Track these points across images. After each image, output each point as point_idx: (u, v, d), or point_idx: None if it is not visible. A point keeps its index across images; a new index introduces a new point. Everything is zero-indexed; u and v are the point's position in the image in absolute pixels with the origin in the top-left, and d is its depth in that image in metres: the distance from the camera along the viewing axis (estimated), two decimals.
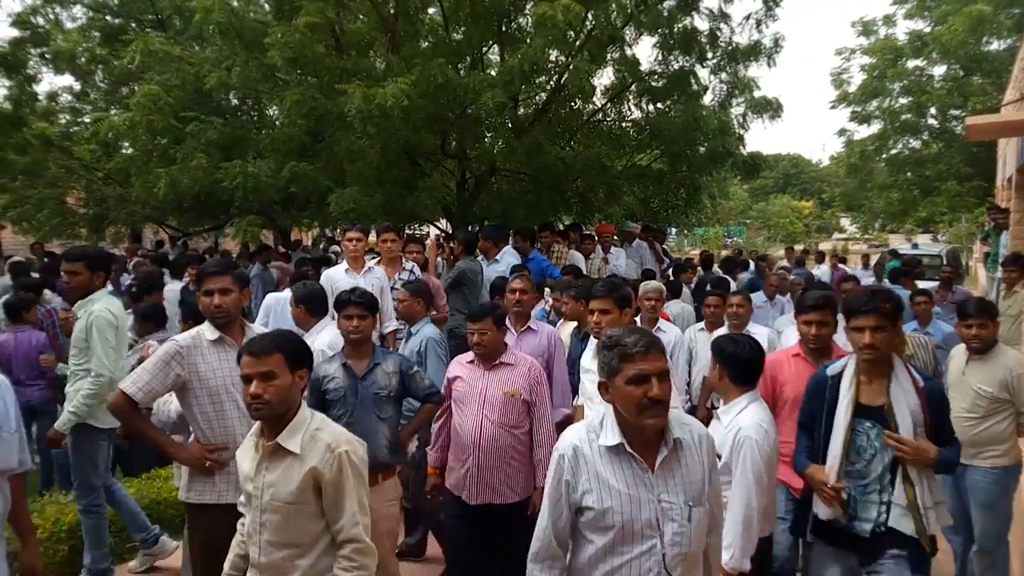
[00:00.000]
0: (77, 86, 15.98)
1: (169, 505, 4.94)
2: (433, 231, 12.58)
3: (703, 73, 10.83)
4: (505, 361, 3.79)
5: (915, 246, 21.01)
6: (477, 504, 3.72)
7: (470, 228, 10.13)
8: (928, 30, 21.29)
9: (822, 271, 14.66)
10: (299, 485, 2.45)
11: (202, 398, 3.22)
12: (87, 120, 15.38)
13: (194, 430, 3.27)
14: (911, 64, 21.77)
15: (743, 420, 2.94)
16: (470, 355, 3.87)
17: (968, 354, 4.14)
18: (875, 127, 22.92)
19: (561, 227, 10.69)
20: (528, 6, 9.82)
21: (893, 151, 23.17)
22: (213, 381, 3.22)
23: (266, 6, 10.44)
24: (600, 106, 11.11)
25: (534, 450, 3.78)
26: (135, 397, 3.13)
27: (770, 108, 10.96)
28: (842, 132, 24.34)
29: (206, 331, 3.32)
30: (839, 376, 3.05)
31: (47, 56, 14.40)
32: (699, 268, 10.74)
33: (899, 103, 22.12)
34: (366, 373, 3.67)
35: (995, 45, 20.58)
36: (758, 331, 5.16)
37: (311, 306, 4.40)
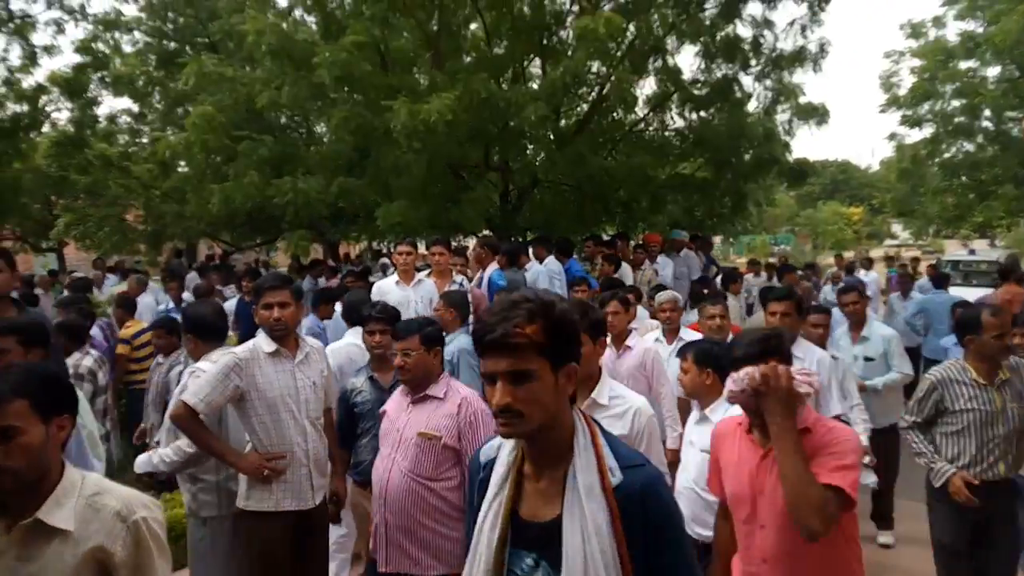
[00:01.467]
0: (135, 108, 16.62)
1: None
2: (473, 243, 12.69)
3: (747, 80, 10.78)
4: (432, 394, 3.13)
5: (972, 252, 20.41)
6: (387, 573, 3.06)
7: (512, 239, 10.21)
8: (980, 31, 20.69)
9: (871, 278, 14.38)
10: (75, 573, 1.77)
11: (260, 409, 3.33)
12: (145, 140, 15.98)
13: (251, 440, 3.38)
14: (963, 65, 21.16)
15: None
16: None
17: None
18: (927, 131, 22.29)
19: (607, 237, 10.70)
20: (569, 20, 9.90)
21: (946, 155, 22.50)
22: (270, 392, 3.34)
23: (314, 27, 10.71)
24: (642, 116, 11.12)
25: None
26: (196, 408, 3.23)
27: (816, 114, 10.83)
28: (892, 136, 23.69)
29: (263, 343, 3.42)
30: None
31: (107, 80, 15.02)
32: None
33: (951, 106, 21.49)
34: (392, 386, 3.68)
35: None
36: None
37: (201, 333, 3.78)
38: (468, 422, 3.04)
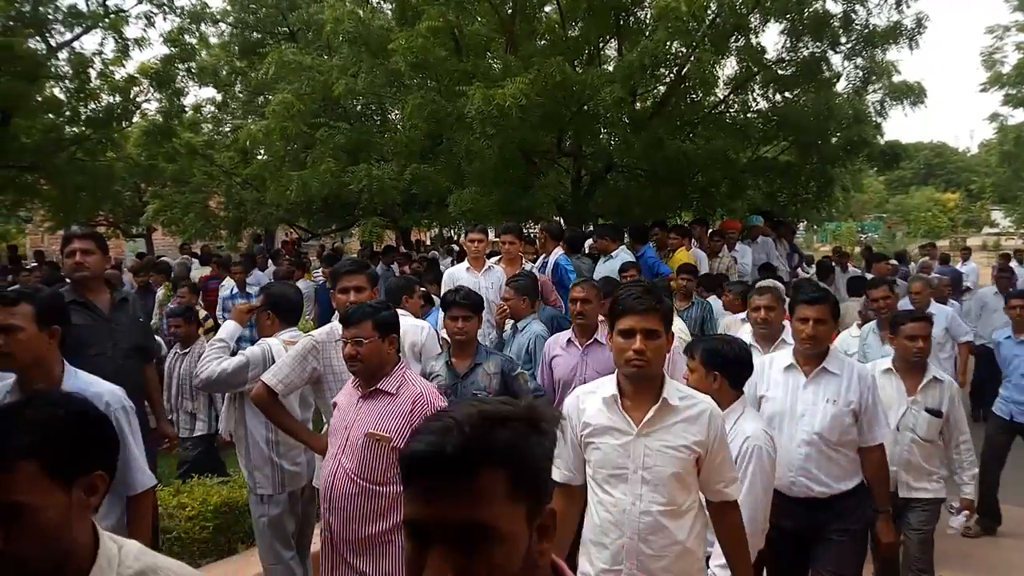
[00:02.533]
0: (219, 97, 17.17)
1: None
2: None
3: (836, 59, 10.22)
4: (384, 389, 2.84)
5: None
6: None
7: (581, 227, 10.03)
8: None
9: (970, 268, 13.53)
10: None
11: (336, 390, 3.36)
12: (227, 129, 16.48)
13: (327, 420, 3.42)
14: None
15: (747, 427, 2.81)
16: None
17: None
18: None
19: (684, 223, 10.40)
20: None
21: None
22: (346, 374, 3.35)
23: (390, 13, 10.76)
24: (723, 97, 10.72)
25: None
26: (275, 388, 3.29)
27: (911, 94, 10.21)
28: (994, 117, 22.34)
29: (339, 327, 3.47)
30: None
31: (193, 71, 15.53)
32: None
33: None
34: (467, 372, 3.72)
35: None
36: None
37: (280, 312, 3.88)
38: (421, 420, 2.67)
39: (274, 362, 3.48)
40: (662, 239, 7.99)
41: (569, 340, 4.17)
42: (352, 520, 2.72)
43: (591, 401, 2.47)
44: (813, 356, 3.19)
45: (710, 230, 9.33)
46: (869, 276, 7.91)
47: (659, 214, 10.70)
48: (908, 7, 9.74)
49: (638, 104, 10.22)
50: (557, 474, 2.49)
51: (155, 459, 4.41)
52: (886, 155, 11.02)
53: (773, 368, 3.30)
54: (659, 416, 2.37)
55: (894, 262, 10.81)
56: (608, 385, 2.46)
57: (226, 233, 14.35)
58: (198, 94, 39.91)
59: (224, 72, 15.66)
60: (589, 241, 7.93)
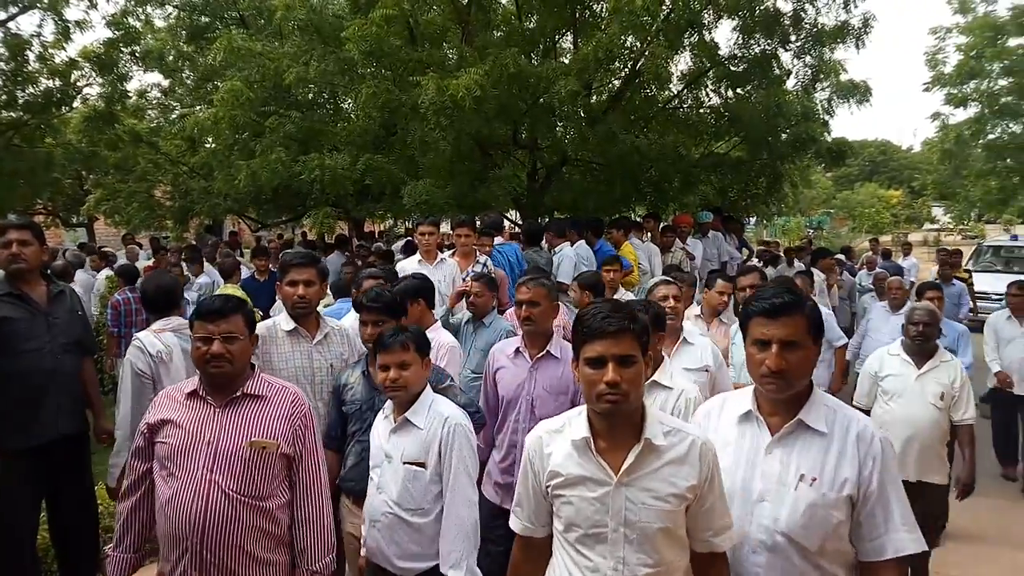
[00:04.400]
0: (165, 83, 16.66)
1: None
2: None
3: (786, 57, 10.40)
4: (252, 392, 2.53)
5: (1014, 237, 19.75)
6: None
7: (538, 219, 10.03)
8: None
9: (910, 263, 13.96)
10: None
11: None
12: (174, 116, 16.01)
13: None
14: (1013, 43, 20.40)
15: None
16: (191, 383, 2.60)
17: None
18: (972, 110, 21.58)
19: (637, 218, 10.48)
20: None
21: (991, 136, 21.79)
22: (285, 372, 3.31)
23: (343, 0, 10.57)
24: (676, 93, 10.82)
25: (295, 538, 2.53)
26: None
27: (857, 92, 10.44)
28: (936, 116, 22.97)
29: (282, 322, 3.45)
30: None
31: (137, 55, 15.03)
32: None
33: (999, 85, 20.75)
34: None
35: None
36: None
37: (147, 304, 3.92)
38: (303, 423, 2.55)
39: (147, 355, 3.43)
40: (617, 239, 8.04)
41: (517, 350, 3.58)
42: (233, 546, 2.37)
43: (559, 444, 2.06)
44: (782, 402, 2.12)
45: (662, 225, 9.44)
46: (815, 271, 8.10)
47: (613, 208, 10.77)
48: (855, 7, 9.98)
49: (593, 98, 10.25)
50: (515, 523, 2.21)
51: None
52: (833, 152, 11.25)
53: (723, 418, 2.27)
54: (642, 460, 1.96)
55: (840, 256, 11.10)
56: (578, 424, 2.05)
57: (172, 223, 13.95)
58: (143, 79, 38.80)
59: (171, 57, 15.15)
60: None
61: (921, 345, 4.20)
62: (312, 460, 2.55)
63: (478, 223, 6.89)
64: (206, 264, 9.42)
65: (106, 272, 9.39)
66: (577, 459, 2.02)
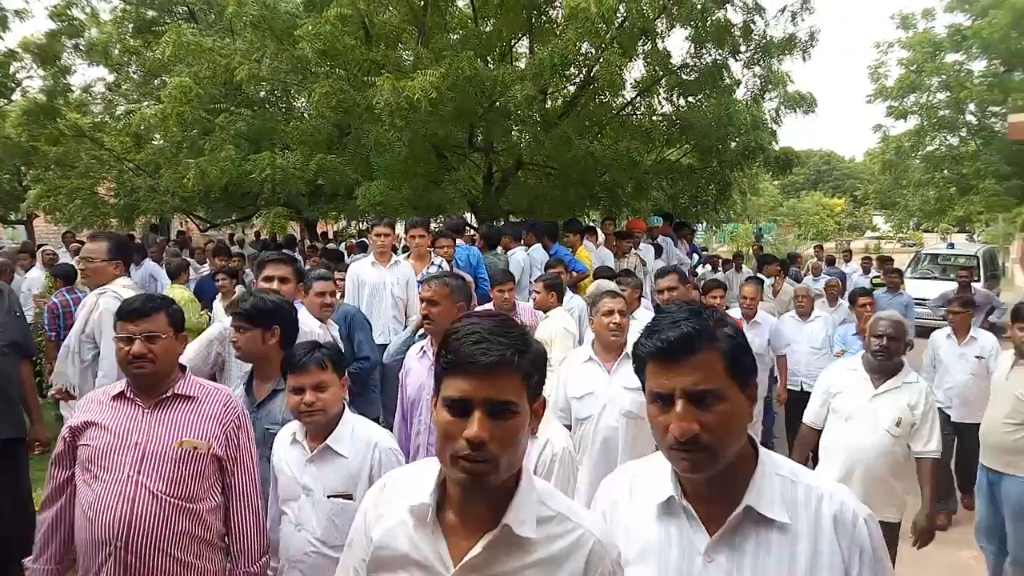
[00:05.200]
0: (111, 78, 16.19)
1: None
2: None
3: (736, 67, 10.66)
4: (182, 392, 2.43)
5: (951, 246, 20.56)
6: None
7: (493, 223, 10.06)
8: (968, 24, 20.74)
9: (851, 269, 14.38)
10: None
11: (237, 380, 3.29)
12: (120, 111, 15.57)
13: None
14: (950, 59, 21.24)
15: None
16: (117, 385, 2.47)
17: (1014, 358, 4.01)
18: (912, 123, 22.41)
19: (590, 222, 10.58)
20: None
21: (930, 148, 22.65)
22: (247, 366, 3.25)
23: None
24: (630, 100, 10.97)
25: (231, 541, 2.45)
26: None
27: (804, 103, 10.75)
28: (878, 128, 23.79)
29: None
30: None
31: (81, 48, 14.58)
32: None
33: (937, 98, 21.59)
34: (263, 401, 2.90)
35: None
36: None
37: None
38: (236, 422, 2.45)
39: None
40: (572, 243, 8.10)
41: (423, 349, 3.45)
42: (159, 550, 2.26)
43: (396, 507, 1.44)
44: (716, 481, 1.43)
45: (617, 230, 9.55)
46: (761, 276, 8.31)
47: (568, 212, 10.86)
48: (802, 20, 10.31)
49: (548, 103, 10.33)
50: None
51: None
52: (780, 161, 11.54)
53: (635, 508, 1.55)
54: (492, 554, 1.34)
55: (785, 262, 11.37)
56: (427, 481, 1.41)
57: (117, 222, 13.55)
58: (87, 74, 37.60)
59: (116, 51, 14.75)
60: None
61: (883, 361, 3.56)
62: (245, 462, 2.47)
63: (436, 225, 6.87)
64: (151, 263, 9.18)
65: (37, 271, 9.06)
66: (412, 535, 1.40)
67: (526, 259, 7.14)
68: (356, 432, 2.55)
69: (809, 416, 3.85)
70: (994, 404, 4.10)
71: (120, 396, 2.40)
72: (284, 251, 4.75)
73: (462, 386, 1.31)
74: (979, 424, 4.46)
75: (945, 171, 22.23)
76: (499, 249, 7.58)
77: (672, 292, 4.91)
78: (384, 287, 5.61)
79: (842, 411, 3.64)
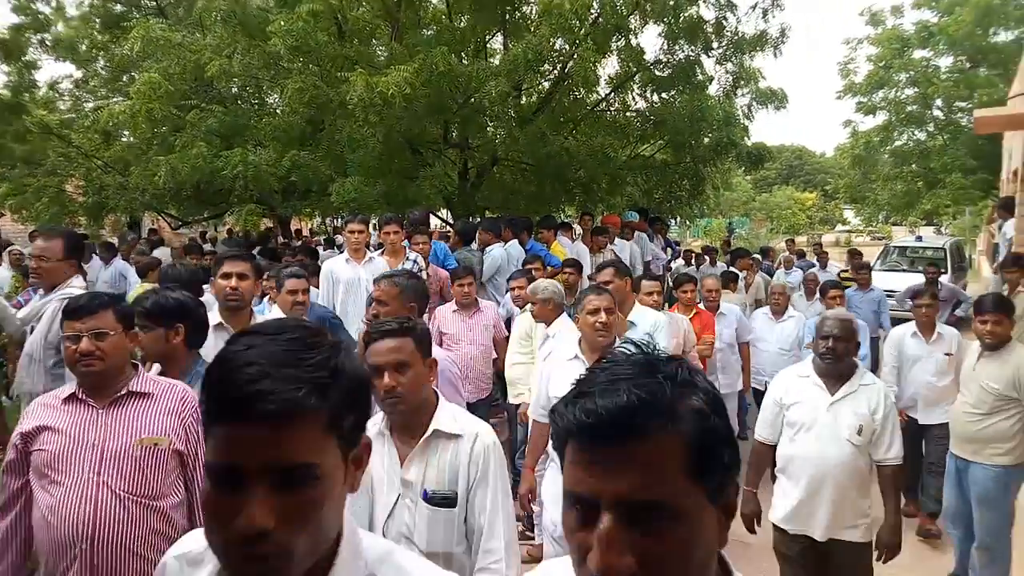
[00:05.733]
0: (78, 74, 15.89)
1: None
2: (434, 221, 12.53)
3: (708, 63, 10.76)
4: (137, 390, 2.40)
5: (919, 239, 20.94)
6: None
7: (469, 218, 10.06)
8: (935, 21, 21.12)
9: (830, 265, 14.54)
10: None
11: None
12: (89, 107, 15.29)
13: None
14: (918, 55, 21.61)
15: None
16: (67, 388, 2.41)
17: (981, 349, 4.12)
18: (880, 118, 22.79)
19: (565, 218, 10.62)
20: None
21: (898, 143, 23.05)
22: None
23: None
24: (604, 95, 11.03)
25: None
26: None
27: (775, 99, 10.88)
28: (847, 123, 24.18)
29: (212, 316, 3.36)
30: None
31: (48, 43, 14.29)
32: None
33: (905, 94, 21.98)
34: None
35: (1002, 36, 20.43)
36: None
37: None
38: (194, 418, 2.42)
39: None
40: (547, 238, 8.12)
41: None
42: (126, 549, 2.24)
43: None
44: None
45: (593, 226, 9.59)
46: (734, 270, 8.41)
47: (543, 208, 10.90)
48: (773, 17, 10.42)
49: (523, 99, 10.35)
50: None
51: None
52: (752, 156, 11.67)
53: None
54: None
55: (757, 256, 11.51)
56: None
57: (85, 220, 13.31)
58: (54, 70, 36.83)
59: (84, 46, 14.48)
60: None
61: (832, 365, 3.28)
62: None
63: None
64: (120, 262, 9.05)
65: (3, 271, 8.88)
66: None
67: (503, 255, 7.15)
68: None
69: (762, 430, 3.53)
70: (962, 394, 4.21)
71: (72, 398, 2.36)
72: (263, 247, 4.67)
73: (230, 447, 0.92)
74: (943, 424, 4.57)
75: (913, 165, 22.65)
76: (473, 245, 7.59)
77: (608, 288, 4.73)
78: (359, 284, 5.59)
79: (798, 422, 3.33)
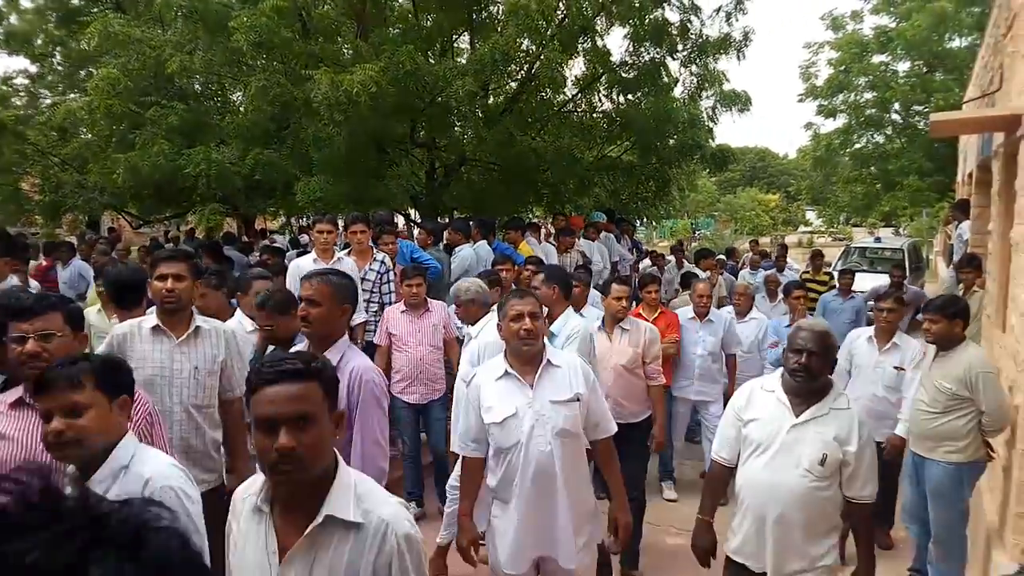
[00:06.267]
0: (33, 69, 15.50)
1: None
2: (400, 221, 12.45)
3: (673, 65, 10.83)
4: None
5: (878, 239, 21.39)
6: None
7: (438, 219, 10.02)
8: (893, 26, 21.61)
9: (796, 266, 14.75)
10: None
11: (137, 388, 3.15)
12: (46, 103, 14.92)
13: None
14: (876, 59, 22.10)
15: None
16: (13, 393, 2.35)
17: (935, 349, 4.21)
18: (840, 121, 23.25)
19: (533, 219, 10.63)
20: None
21: (857, 145, 23.54)
22: (143, 371, 3.11)
23: None
24: (571, 97, 11.06)
25: None
26: None
27: (739, 101, 10.99)
28: (809, 126, 24.61)
29: (149, 319, 3.29)
30: None
31: (0, 36, 13.90)
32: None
33: (864, 98, 22.46)
34: None
35: (956, 42, 20.98)
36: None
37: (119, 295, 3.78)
38: (147, 421, 2.41)
39: None
40: (514, 239, 8.11)
41: None
42: None
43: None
44: None
45: (559, 227, 9.59)
46: (697, 271, 8.51)
47: (511, 209, 10.89)
48: (736, 20, 10.53)
49: (491, 99, 10.33)
50: None
51: None
52: (717, 158, 11.78)
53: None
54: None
55: (721, 257, 11.65)
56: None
57: (42, 219, 12.98)
58: (8, 64, 35.82)
59: (40, 41, 14.13)
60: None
61: (804, 383, 2.83)
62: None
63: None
64: (79, 262, 8.84)
65: None
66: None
67: (472, 255, 7.14)
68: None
69: (720, 448, 3.09)
70: (919, 392, 4.29)
71: (19, 403, 2.29)
72: (181, 248, 4.47)
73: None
74: (882, 443, 4.46)
75: (872, 168, 23.15)
76: (440, 245, 7.57)
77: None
78: None
79: (754, 442, 2.91)
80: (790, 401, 2.88)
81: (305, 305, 2.94)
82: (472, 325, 4.53)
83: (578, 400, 2.98)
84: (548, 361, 3.02)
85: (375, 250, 6.23)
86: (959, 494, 4.08)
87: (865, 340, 4.98)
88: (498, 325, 3.18)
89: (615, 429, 3.20)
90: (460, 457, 3.23)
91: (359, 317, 5.65)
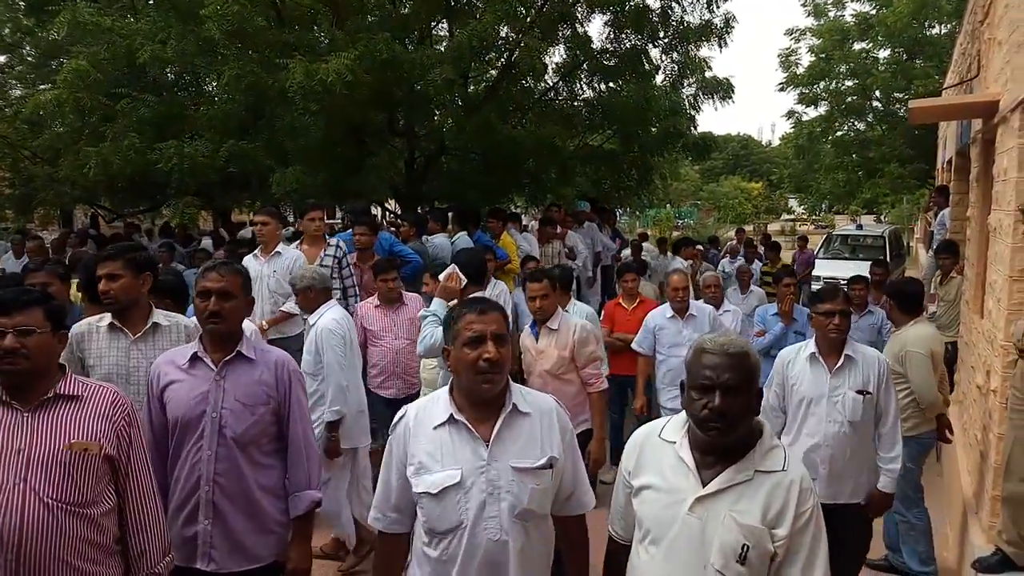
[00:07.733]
0: (2, 59, 15.17)
1: None
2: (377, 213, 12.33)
3: (655, 53, 10.75)
4: (65, 393, 2.26)
5: (859, 227, 21.50)
6: None
7: (419, 209, 9.90)
8: (874, 13, 21.66)
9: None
10: None
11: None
12: (16, 95, 14.60)
13: None
14: (857, 47, 22.16)
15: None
16: None
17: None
18: (822, 109, 23.32)
19: (515, 208, 10.53)
20: None
21: (839, 133, 23.63)
22: (100, 369, 3.12)
23: None
24: (552, 84, 10.96)
25: (131, 543, 2.33)
26: None
27: (721, 89, 10.94)
28: (791, 114, 24.65)
29: (106, 316, 3.26)
30: None
31: None
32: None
33: (845, 85, 22.53)
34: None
35: (936, 30, 21.08)
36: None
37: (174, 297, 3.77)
38: (126, 422, 2.31)
39: None
40: (495, 229, 8.00)
41: (195, 356, 2.70)
42: (55, 559, 2.15)
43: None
44: None
45: (540, 217, 9.50)
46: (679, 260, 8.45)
47: (492, 198, 10.79)
48: (718, 7, 10.44)
49: (470, 88, 10.21)
50: None
51: None
52: (699, 146, 11.75)
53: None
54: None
55: (700, 247, 11.60)
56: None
57: (12, 213, 12.71)
58: None
59: (7, 30, 13.81)
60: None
61: (718, 437, 1.84)
62: (138, 460, 2.36)
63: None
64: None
65: None
66: None
67: (446, 244, 7.04)
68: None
69: (613, 519, 2.16)
70: None
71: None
72: (121, 244, 4.31)
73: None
74: (855, 506, 3.44)
75: (853, 155, 23.24)
76: (424, 237, 7.46)
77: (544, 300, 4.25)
78: (261, 281, 5.30)
79: (646, 523, 1.94)
80: (696, 461, 1.88)
81: (216, 300, 2.62)
82: (311, 313, 4.48)
83: (551, 467, 2.09)
84: (514, 407, 2.10)
85: (328, 238, 6.08)
86: (909, 468, 4.13)
87: (806, 360, 3.57)
88: (444, 350, 2.26)
89: (593, 503, 2.28)
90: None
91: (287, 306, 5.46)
